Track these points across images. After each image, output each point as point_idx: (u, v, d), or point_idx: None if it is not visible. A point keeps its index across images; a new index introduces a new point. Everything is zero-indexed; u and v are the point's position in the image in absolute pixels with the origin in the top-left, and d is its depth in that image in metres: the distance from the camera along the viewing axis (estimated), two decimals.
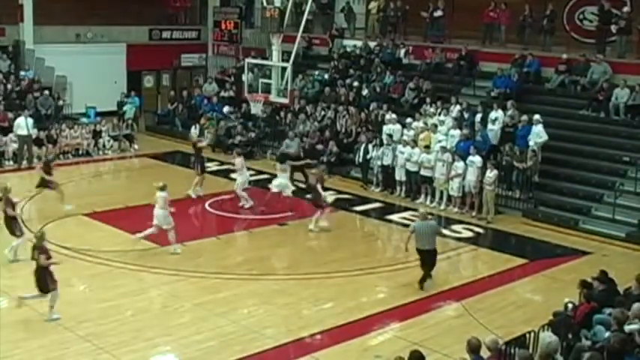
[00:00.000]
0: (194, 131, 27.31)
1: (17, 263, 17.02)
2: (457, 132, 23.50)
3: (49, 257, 14.51)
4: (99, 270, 16.97)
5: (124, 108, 31.41)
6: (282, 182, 21.80)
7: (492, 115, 23.87)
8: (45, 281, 14.28)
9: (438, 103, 25.69)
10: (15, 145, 26.59)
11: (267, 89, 25.31)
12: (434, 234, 16.55)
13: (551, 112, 24.34)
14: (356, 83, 29.32)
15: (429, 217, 17.09)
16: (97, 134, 29.02)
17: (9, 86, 30.10)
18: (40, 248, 14.61)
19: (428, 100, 26.27)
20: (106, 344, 13.29)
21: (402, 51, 30.05)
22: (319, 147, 26.68)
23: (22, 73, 31.29)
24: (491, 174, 21.27)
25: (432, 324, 14.84)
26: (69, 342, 13.40)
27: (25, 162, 26.29)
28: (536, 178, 22.53)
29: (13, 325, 14.04)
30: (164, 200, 18.15)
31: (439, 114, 25.01)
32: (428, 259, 16.47)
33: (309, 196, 21.15)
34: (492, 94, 26.00)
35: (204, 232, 20.10)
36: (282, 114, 29.41)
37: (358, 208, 22.66)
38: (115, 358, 12.87)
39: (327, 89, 29.89)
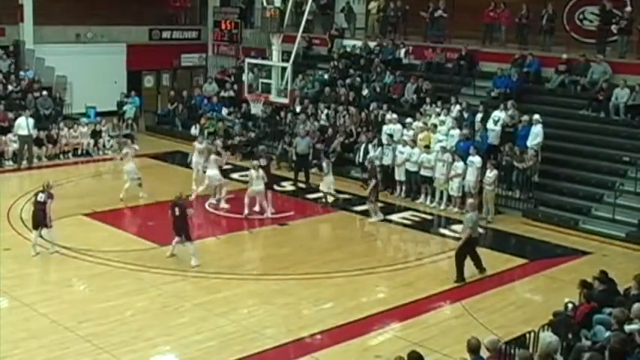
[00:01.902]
0: (194, 131, 27.34)
1: (17, 264, 17.06)
2: (457, 132, 23.50)
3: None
4: (99, 270, 16.97)
5: (124, 108, 31.43)
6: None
7: (495, 114, 23.88)
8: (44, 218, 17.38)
9: (438, 103, 25.70)
10: (15, 145, 26.58)
11: (267, 89, 25.30)
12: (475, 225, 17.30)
13: (552, 112, 24.34)
14: (357, 80, 29.31)
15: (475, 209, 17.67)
16: (96, 134, 29.01)
17: (9, 86, 30.11)
18: (48, 192, 17.69)
19: (428, 100, 26.26)
20: (106, 344, 13.29)
21: (402, 51, 30.05)
22: (319, 146, 26.67)
23: (22, 73, 31.30)
24: (491, 174, 21.26)
25: (432, 324, 14.84)
26: (69, 342, 13.40)
27: (25, 162, 26.28)
28: (536, 178, 22.52)
29: (13, 324, 14.03)
30: (215, 162, 21.11)
31: (439, 114, 25.00)
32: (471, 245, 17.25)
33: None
34: (492, 94, 26.01)
35: (204, 232, 20.08)
36: (282, 114, 29.41)
37: (358, 208, 22.64)
38: (115, 358, 12.87)
39: (326, 89, 29.89)
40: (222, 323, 14.36)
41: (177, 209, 17.51)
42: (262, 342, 13.65)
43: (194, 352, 13.25)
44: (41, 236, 17.72)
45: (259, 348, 13.43)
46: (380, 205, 22.91)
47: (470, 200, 18.05)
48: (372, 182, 21.16)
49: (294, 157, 25.75)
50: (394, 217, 22.02)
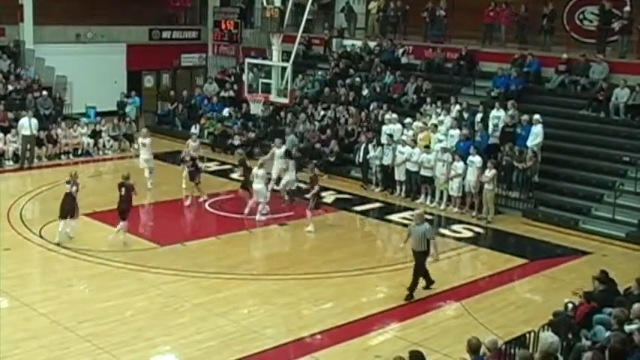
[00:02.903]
0: (194, 131, 27.34)
1: (17, 264, 17.07)
2: (457, 132, 23.50)
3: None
4: (99, 270, 16.97)
5: (126, 109, 31.50)
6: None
7: (493, 114, 23.90)
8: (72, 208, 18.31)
9: (438, 103, 25.70)
10: (15, 145, 26.57)
11: (267, 89, 25.31)
12: (422, 239, 15.89)
13: (552, 112, 24.35)
14: (357, 80, 29.31)
15: (425, 219, 16.37)
16: (97, 134, 29.00)
17: (9, 86, 30.11)
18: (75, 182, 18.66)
19: (428, 100, 26.26)
20: (106, 344, 13.28)
21: (401, 51, 30.05)
22: (318, 146, 26.70)
23: (23, 72, 31.31)
24: (489, 173, 21.25)
25: (431, 324, 14.84)
26: (69, 342, 13.39)
27: (26, 162, 26.27)
28: (536, 178, 22.52)
29: (13, 324, 14.03)
30: (263, 176, 20.71)
31: (439, 114, 25.00)
32: (416, 260, 16.10)
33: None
34: (492, 93, 26.01)
35: (204, 232, 20.07)
36: (282, 114, 29.41)
37: (358, 208, 22.66)
38: (115, 358, 12.86)
39: (326, 89, 29.90)
40: (222, 323, 14.36)
41: (123, 189, 18.36)
42: (262, 342, 13.65)
43: (194, 352, 13.25)
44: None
45: (259, 348, 13.43)
46: (380, 205, 22.97)
47: (417, 211, 16.89)
48: (314, 190, 20.53)
49: None
50: (394, 217, 22.01)
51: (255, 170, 20.95)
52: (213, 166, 26.56)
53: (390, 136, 24.27)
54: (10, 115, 27.66)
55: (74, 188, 18.63)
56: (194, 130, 29.15)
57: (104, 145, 28.90)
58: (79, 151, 28.25)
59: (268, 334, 13.97)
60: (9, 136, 26.77)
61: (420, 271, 15.99)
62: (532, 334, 12.14)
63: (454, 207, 22.47)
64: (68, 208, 18.44)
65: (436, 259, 16.30)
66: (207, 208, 22.09)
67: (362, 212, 22.47)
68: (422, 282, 16.15)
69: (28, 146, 26.26)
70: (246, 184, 21.44)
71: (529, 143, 22.39)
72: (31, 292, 15.65)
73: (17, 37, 32.67)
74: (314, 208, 20.43)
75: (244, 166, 21.91)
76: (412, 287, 15.89)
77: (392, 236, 21.23)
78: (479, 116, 24.32)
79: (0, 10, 32.13)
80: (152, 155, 23.99)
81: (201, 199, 22.15)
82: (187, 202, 21.96)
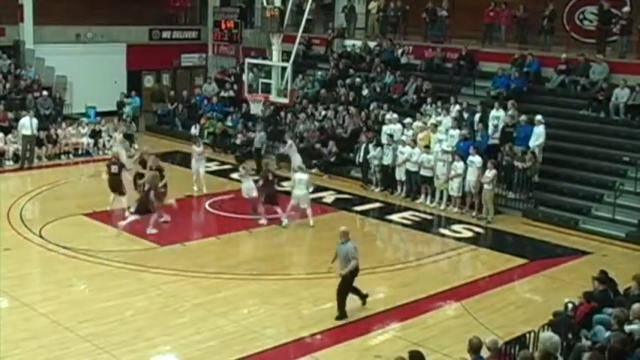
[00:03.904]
0: (194, 131, 27.36)
1: (17, 264, 17.09)
2: (457, 132, 23.49)
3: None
4: (99, 270, 16.96)
5: (124, 109, 31.53)
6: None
7: (493, 114, 23.92)
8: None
9: (438, 103, 25.70)
10: (16, 146, 26.57)
11: (267, 89, 25.30)
12: (346, 258, 14.60)
13: (552, 112, 24.33)
14: (358, 80, 29.31)
15: (349, 237, 14.82)
16: (96, 134, 29.00)
17: (8, 86, 30.11)
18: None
19: (429, 100, 26.25)
20: (106, 344, 13.28)
21: (400, 51, 30.05)
22: (318, 146, 26.71)
23: (24, 72, 31.32)
24: (489, 173, 21.25)
25: (431, 324, 14.83)
26: (69, 342, 13.39)
27: (26, 162, 26.26)
28: (536, 178, 22.51)
29: (13, 324, 14.03)
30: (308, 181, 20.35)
31: (439, 114, 24.99)
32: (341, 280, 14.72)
33: None
34: (492, 93, 26.00)
35: (204, 232, 20.07)
36: (282, 114, 29.41)
37: (358, 208, 22.66)
38: (115, 358, 12.86)
39: (324, 90, 29.89)
40: (222, 323, 14.35)
41: (114, 167, 19.82)
42: (262, 342, 13.64)
43: (194, 352, 13.24)
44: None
45: (259, 348, 13.43)
46: (380, 205, 22.97)
47: (342, 228, 15.07)
48: (259, 183, 20.56)
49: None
50: (394, 217, 22.03)
51: (297, 175, 20.56)
52: (213, 166, 26.54)
53: (390, 136, 24.27)
54: (10, 115, 27.66)
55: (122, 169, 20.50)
56: (194, 130, 29.17)
57: (104, 145, 28.88)
58: (79, 151, 28.24)
59: (268, 334, 13.97)
60: (9, 136, 26.78)
61: (344, 291, 14.70)
62: (532, 334, 12.14)
63: (454, 207, 22.47)
64: (115, 186, 20.47)
65: (339, 274, 14.69)
66: (208, 208, 22.09)
67: (362, 212, 22.47)
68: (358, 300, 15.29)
69: (29, 146, 26.25)
70: (273, 199, 20.80)
71: (531, 144, 22.38)
72: (31, 292, 15.65)
73: (17, 37, 32.67)
74: (265, 202, 20.55)
75: (266, 180, 20.80)
76: (341, 307, 14.64)
77: (392, 236, 21.26)
78: (478, 116, 24.32)
79: (0, 10, 32.17)
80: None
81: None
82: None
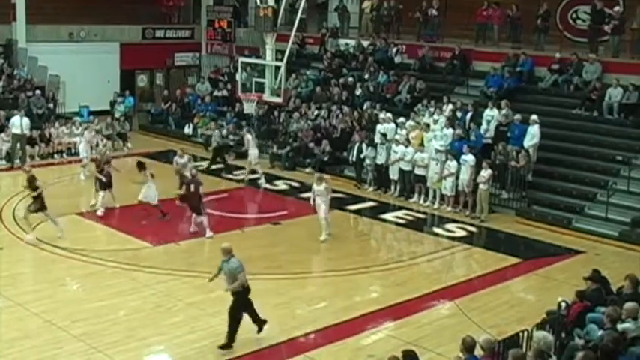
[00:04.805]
0: (187, 130, 27.35)
1: (10, 263, 17.05)
2: (450, 131, 23.51)
3: None
4: (92, 269, 16.94)
5: (116, 107, 31.50)
6: None
7: (487, 113, 23.95)
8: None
9: (431, 103, 25.72)
10: (9, 145, 26.51)
11: (260, 88, 25.30)
12: (232, 276, 13.34)
13: (545, 111, 24.34)
14: (351, 80, 29.31)
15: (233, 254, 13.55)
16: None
17: (1, 84, 30.05)
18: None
19: (425, 101, 26.22)
20: (99, 344, 13.26)
21: (394, 50, 30.07)
22: (311, 146, 26.71)
23: (16, 71, 31.25)
24: (485, 173, 21.27)
25: (425, 323, 14.84)
26: (62, 341, 13.37)
27: (18, 161, 26.20)
28: (529, 178, 22.54)
29: (6, 324, 14.01)
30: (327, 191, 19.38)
31: (432, 113, 25.01)
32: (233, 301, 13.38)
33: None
34: (487, 92, 26.00)
35: (197, 232, 20.04)
36: (275, 113, 29.40)
37: (352, 208, 22.66)
38: (109, 358, 12.84)
39: (317, 89, 29.89)
40: (215, 322, 14.32)
41: (192, 186, 19.40)
42: (256, 341, 13.62)
43: (188, 352, 13.24)
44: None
45: (253, 347, 13.42)
46: (374, 204, 22.98)
47: (223, 245, 13.68)
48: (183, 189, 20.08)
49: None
50: (388, 216, 22.05)
51: (315, 187, 19.55)
52: (206, 165, 26.50)
53: (384, 135, 24.27)
54: (3, 113, 27.58)
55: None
56: (187, 129, 29.11)
57: (97, 145, 28.78)
58: (72, 151, 28.16)
59: (261, 335, 13.94)
60: (2, 135, 26.71)
61: (237, 314, 13.35)
62: (525, 333, 12.15)
63: (448, 206, 22.49)
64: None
65: (226, 290, 13.47)
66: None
67: (355, 211, 22.47)
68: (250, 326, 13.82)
69: (19, 145, 26.20)
70: (197, 209, 19.67)
71: (525, 144, 22.42)
72: (24, 292, 15.63)
73: (10, 36, 32.59)
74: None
75: (188, 190, 19.64)
76: (231, 334, 13.26)
77: (386, 235, 21.27)
78: (469, 115, 24.35)
79: None
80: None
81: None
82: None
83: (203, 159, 27.12)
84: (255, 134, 28.84)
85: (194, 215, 19.55)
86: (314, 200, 19.38)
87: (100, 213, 20.58)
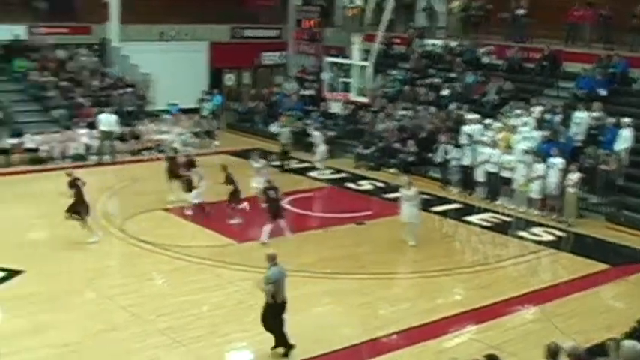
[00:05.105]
0: (274, 129, 27.63)
1: (99, 257, 17.42)
2: (538, 133, 23.09)
3: None
4: (177, 265, 17.20)
5: (203, 105, 32.02)
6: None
7: (577, 115, 23.43)
8: None
9: (520, 104, 25.30)
10: (99, 141, 27.19)
11: (347, 88, 25.31)
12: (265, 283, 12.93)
13: (638, 113, 23.65)
14: (437, 80, 29.07)
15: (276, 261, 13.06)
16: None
17: (95, 83, 30.83)
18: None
19: (513, 102, 25.82)
20: (182, 338, 13.45)
21: (482, 50, 29.69)
22: (397, 146, 26.59)
23: (109, 70, 32.02)
24: (573, 176, 20.82)
25: (509, 327, 14.60)
26: (147, 335, 13.60)
27: (108, 157, 26.84)
28: (620, 182, 21.96)
29: (94, 316, 14.35)
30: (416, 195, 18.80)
31: (520, 115, 24.61)
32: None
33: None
34: (578, 94, 25.43)
35: (281, 230, 20.13)
36: (361, 113, 29.37)
37: (437, 209, 22.45)
38: (192, 352, 13.00)
39: (405, 88, 29.74)
40: (297, 320, 14.32)
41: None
42: (337, 341, 13.61)
43: (269, 349, 13.29)
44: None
45: (335, 346, 13.40)
46: (459, 206, 22.75)
47: (268, 252, 13.37)
48: (231, 188, 20.15)
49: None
50: (473, 218, 21.78)
51: (404, 192, 19.13)
52: (292, 164, 26.66)
53: (470, 136, 24.00)
54: (95, 110, 28.29)
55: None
56: (274, 127, 29.29)
57: (185, 142, 29.26)
58: (161, 147, 28.67)
59: (344, 333, 13.94)
60: (94, 131, 27.39)
61: (271, 324, 12.98)
62: (613, 342, 11.81)
63: (534, 209, 22.08)
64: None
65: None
66: (286, 206, 22.15)
67: (440, 213, 22.26)
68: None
69: (107, 142, 26.83)
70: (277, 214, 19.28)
71: (616, 147, 21.86)
72: (111, 285, 15.97)
73: (104, 35, 33.40)
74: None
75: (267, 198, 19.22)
76: (279, 340, 13.03)
77: (471, 238, 21.00)
78: (559, 117, 23.85)
79: (88, 9, 33.05)
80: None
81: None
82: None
83: (289, 158, 27.22)
84: (341, 134, 29.05)
85: (268, 224, 18.80)
86: (401, 205, 19.05)
87: (188, 212, 20.71)
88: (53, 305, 14.80)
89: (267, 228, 18.65)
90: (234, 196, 20.17)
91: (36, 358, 12.70)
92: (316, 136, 25.86)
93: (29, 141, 26.62)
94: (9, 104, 28.72)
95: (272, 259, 12.95)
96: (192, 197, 20.67)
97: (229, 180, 20.21)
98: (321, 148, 25.69)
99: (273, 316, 12.89)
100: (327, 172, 25.89)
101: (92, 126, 27.52)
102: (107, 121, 26.79)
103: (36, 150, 26.54)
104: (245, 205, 20.41)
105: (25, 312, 14.41)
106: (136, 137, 28.42)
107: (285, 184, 23.86)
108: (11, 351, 12.83)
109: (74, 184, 18.18)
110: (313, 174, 25.87)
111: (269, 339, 13.49)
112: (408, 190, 18.92)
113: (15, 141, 26.56)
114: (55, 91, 29.75)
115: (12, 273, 16.24)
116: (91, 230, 18.35)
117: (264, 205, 19.12)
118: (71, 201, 18.18)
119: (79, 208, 18.18)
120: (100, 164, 26.59)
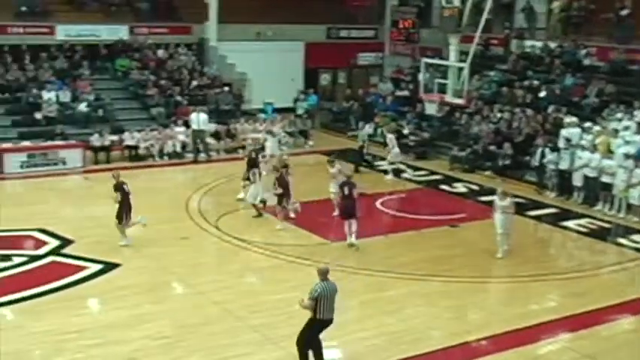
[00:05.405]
0: (368, 129, 27.68)
1: (194, 253, 17.74)
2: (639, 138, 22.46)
3: None
4: (271, 263, 17.37)
5: (303, 105, 32.25)
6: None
7: None
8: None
9: (622, 107, 24.65)
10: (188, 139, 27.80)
11: (442, 89, 25.13)
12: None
13: None
14: (536, 82, 28.58)
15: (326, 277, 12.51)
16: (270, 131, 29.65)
17: (193, 82, 31.42)
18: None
19: (614, 105, 25.18)
20: (274, 336, 13.56)
21: (583, 52, 29.03)
22: (492, 149, 26.26)
23: (206, 69, 32.59)
24: None
25: (605, 336, 14.24)
26: (239, 331, 13.78)
27: (203, 155, 27.31)
28: None
29: (188, 311, 14.65)
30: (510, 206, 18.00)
31: (621, 119, 23.97)
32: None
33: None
34: None
35: (374, 231, 20.13)
36: (457, 114, 29.11)
37: (531, 213, 22.05)
38: (283, 350, 13.08)
39: (503, 90, 29.33)
40: (387, 322, 14.35)
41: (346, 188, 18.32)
42: (427, 343, 13.55)
43: (359, 349, 13.32)
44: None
45: (424, 349, 13.33)
46: (555, 210, 22.32)
47: (319, 266, 12.79)
48: (279, 190, 19.59)
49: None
50: (570, 223, 21.31)
51: (498, 201, 18.20)
52: (385, 166, 26.62)
53: (568, 140, 23.51)
54: (191, 109, 28.82)
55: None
56: (368, 128, 29.27)
57: (280, 141, 29.49)
58: (256, 146, 28.95)
59: (433, 336, 13.87)
60: (188, 130, 27.88)
61: (302, 339, 12.28)
62: None
63: (635, 216, 21.46)
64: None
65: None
66: (379, 206, 22.17)
67: (535, 217, 21.87)
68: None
69: (198, 140, 27.32)
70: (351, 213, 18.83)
71: None
72: (206, 281, 16.23)
73: (202, 35, 33.99)
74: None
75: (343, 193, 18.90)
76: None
77: (566, 243, 20.59)
78: None
79: (188, 9, 33.70)
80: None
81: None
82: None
83: (382, 159, 27.19)
84: (436, 135, 28.88)
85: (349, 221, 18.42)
86: (494, 212, 18.37)
87: (292, 215, 20.52)
88: (149, 298, 15.17)
89: (348, 228, 18.40)
90: (283, 198, 19.74)
91: (134, 349, 13.02)
92: (391, 138, 25.66)
93: (129, 138, 27.31)
94: (110, 102, 29.55)
95: (322, 274, 12.29)
96: (248, 197, 20.78)
97: (282, 182, 19.78)
98: (395, 151, 25.48)
99: (308, 330, 12.19)
100: (389, 176, 25.53)
101: (188, 124, 28.03)
102: (198, 119, 27.25)
103: (135, 147, 27.19)
104: (297, 205, 20.38)
105: (123, 304, 14.82)
106: (232, 136, 28.81)
107: (378, 185, 23.94)
108: (108, 341, 13.22)
109: (120, 187, 17.96)
110: (406, 175, 25.74)
111: (359, 340, 13.54)
112: (503, 201, 18.14)
113: (115, 138, 27.29)
114: (154, 89, 30.45)
115: (110, 266, 16.72)
116: (124, 234, 18.09)
117: (337, 202, 18.95)
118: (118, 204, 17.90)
119: (122, 212, 17.89)
120: (195, 162, 27.09)
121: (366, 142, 27.22)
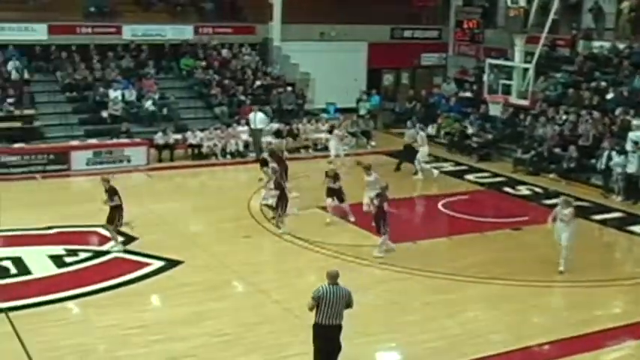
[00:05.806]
0: (431, 130, 27.45)
1: (255, 251, 17.81)
2: None
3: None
4: (330, 262, 17.27)
5: (366, 105, 32.19)
6: None
7: None
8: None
9: None
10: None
11: (507, 90, 24.84)
12: (343, 304, 11.76)
13: None
14: (603, 84, 28.08)
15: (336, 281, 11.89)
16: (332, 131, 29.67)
17: (257, 82, 31.62)
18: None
19: None
20: None
21: None
22: (557, 151, 25.86)
23: (270, 69, 32.77)
24: None
25: None
26: (297, 330, 13.71)
27: (262, 153, 27.44)
28: None
29: (247, 309, 14.75)
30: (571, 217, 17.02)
31: None
32: (334, 338, 11.72)
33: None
34: None
35: (436, 232, 19.99)
36: (521, 116, 28.74)
37: (597, 217, 21.65)
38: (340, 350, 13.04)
39: (570, 91, 28.87)
40: (448, 324, 14.23)
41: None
42: (488, 347, 13.38)
43: (418, 351, 13.22)
44: None
45: (485, 353, 13.18)
46: (621, 214, 21.88)
47: (329, 270, 12.09)
48: (277, 193, 19.40)
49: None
50: (637, 228, 20.86)
51: (561, 210, 17.21)
52: (448, 167, 26.45)
53: (636, 143, 23.04)
54: (255, 108, 28.97)
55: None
56: (431, 129, 29.15)
57: (341, 140, 29.46)
58: (318, 146, 29.06)
59: (495, 340, 13.69)
60: (246, 128, 28.09)
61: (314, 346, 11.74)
62: None
63: None
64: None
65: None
66: (441, 208, 22.01)
67: (600, 221, 21.46)
68: None
69: (255, 139, 27.47)
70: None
71: None
72: (265, 280, 16.33)
73: (266, 35, 34.18)
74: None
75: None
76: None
77: (632, 248, 20.16)
78: None
79: (252, 9, 33.95)
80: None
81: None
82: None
83: (445, 160, 27.01)
84: (500, 137, 28.57)
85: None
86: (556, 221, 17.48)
87: (352, 218, 20.44)
88: (210, 296, 15.29)
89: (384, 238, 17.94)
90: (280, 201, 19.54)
91: (195, 346, 13.15)
92: (422, 136, 25.43)
93: (192, 137, 27.59)
94: (174, 101, 29.91)
95: (330, 278, 11.71)
96: (263, 197, 20.73)
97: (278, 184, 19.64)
98: (425, 150, 25.23)
99: (314, 336, 11.67)
100: (419, 176, 25.34)
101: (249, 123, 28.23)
102: (255, 119, 27.39)
103: (198, 146, 27.45)
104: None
105: (184, 301, 14.98)
106: (294, 135, 28.90)
107: (441, 186, 23.76)
108: (170, 337, 13.38)
109: (116, 191, 17.69)
110: (469, 176, 25.52)
111: (419, 342, 13.45)
112: (565, 209, 17.28)
113: (179, 136, 27.60)
114: (218, 88, 30.72)
115: (172, 263, 16.90)
116: (116, 238, 17.86)
117: (372, 212, 18.38)
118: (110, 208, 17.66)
119: (115, 215, 17.58)
120: (257, 161, 27.18)
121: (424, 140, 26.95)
